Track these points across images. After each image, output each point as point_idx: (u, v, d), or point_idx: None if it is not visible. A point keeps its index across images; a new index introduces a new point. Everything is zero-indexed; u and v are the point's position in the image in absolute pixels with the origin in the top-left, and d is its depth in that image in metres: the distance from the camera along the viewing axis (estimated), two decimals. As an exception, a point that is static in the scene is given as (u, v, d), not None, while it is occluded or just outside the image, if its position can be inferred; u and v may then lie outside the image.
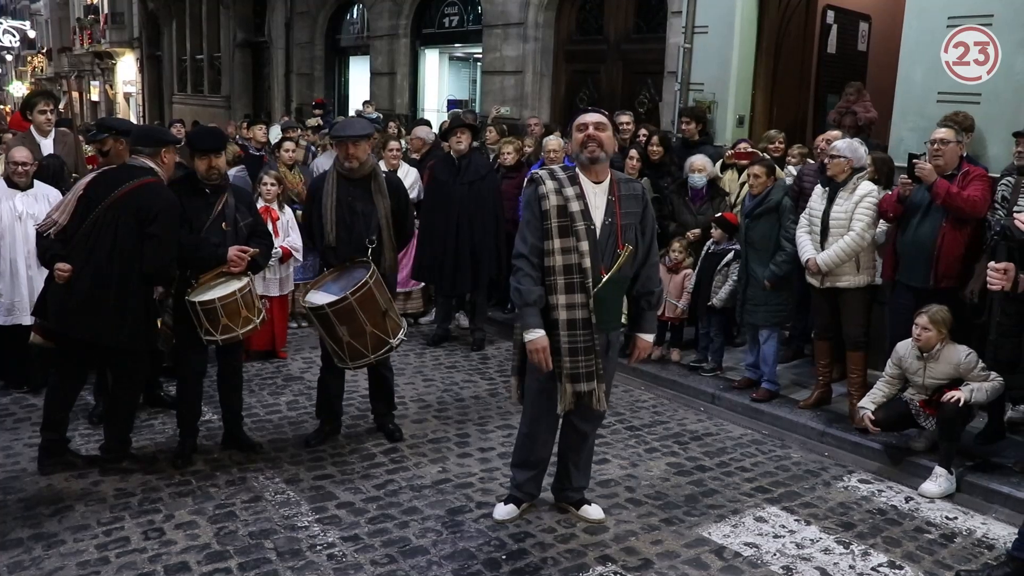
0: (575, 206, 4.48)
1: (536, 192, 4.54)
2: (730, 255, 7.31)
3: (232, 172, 8.49)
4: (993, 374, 5.59)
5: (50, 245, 5.14)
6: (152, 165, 5.21)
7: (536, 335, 4.49)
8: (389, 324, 5.45)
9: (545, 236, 4.49)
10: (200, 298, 5.23)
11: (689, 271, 7.63)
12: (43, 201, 6.37)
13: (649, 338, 4.87)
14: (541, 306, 4.52)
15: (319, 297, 5.46)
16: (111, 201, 5.04)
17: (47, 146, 7.28)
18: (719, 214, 7.51)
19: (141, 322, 5.18)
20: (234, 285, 5.30)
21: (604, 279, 4.50)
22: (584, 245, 4.45)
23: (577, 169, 4.61)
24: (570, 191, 4.51)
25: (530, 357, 4.55)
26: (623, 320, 5.01)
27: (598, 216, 4.53)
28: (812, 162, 7.81)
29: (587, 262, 4.45)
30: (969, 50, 7.15)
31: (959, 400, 5.50)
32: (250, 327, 5.37)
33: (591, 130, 4.50)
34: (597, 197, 4.56)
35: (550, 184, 4.53)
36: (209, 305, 5.20)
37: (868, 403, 6.05)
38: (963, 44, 7.18)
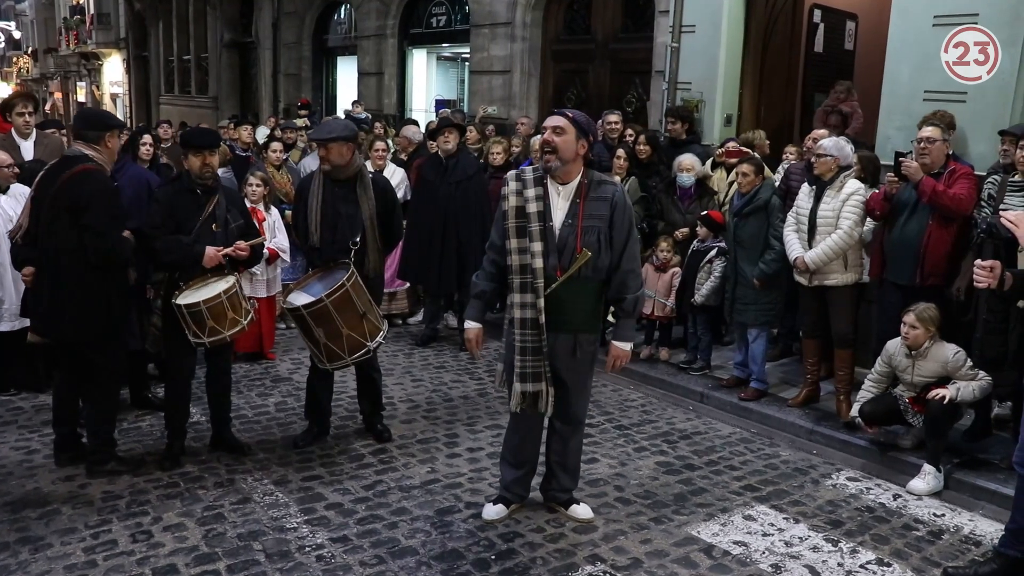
0: (533, 207, 4.50)
1: (501, 192, 4.62)
2: (712, 252, 7.33)
3: (219, 173, 8.46)
4: (981, 373, 5.60)
5: (19, 250, 5.27)
6: (88, 151, 5.10)
7: (470, 326, 4.87)
8: (367, 327, 5.43)
9: (505, 236, 4.55)
10: (185, 300, 5.21)
11: (677, 270, 7.65)
12: (22, 201, 6.34)
13: (624, 346, 4.77)
14: (486, 299, 4.86)
15: (300, 298, 5.46)
16: (51, 197, 5.03)
17: (27, 148, 7.23)
18: (704, 212, 7.52)
19: (103, 316, 5.14)
20: (220, 287, 5.29)
21: (558, 280, 4.49)
22: (536, 246, 4.47)
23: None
24: (531, 192, 4.53)
25: (468, 348, 4.98)
26: (609, 320, 5.02)
27: (558, 217, 4.53)
28: (800, 160, 7.82)
29: (538, 263, 4.46)
30: (969, 50, 7.16)
31: (945, 398, 5.51)
32: (237, 329, 5.35)
33: (547, 134, 4.50)
34: (561, 198, 4.56)
35: (513, 185, 4.58)
36: (194, 308, 5.19)
37: (857, 405, 6.09)
38: (963, 44, 7.19)
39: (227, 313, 5.27)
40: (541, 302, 4.48)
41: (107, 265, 5.08)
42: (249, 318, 5.44)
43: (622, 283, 4.66)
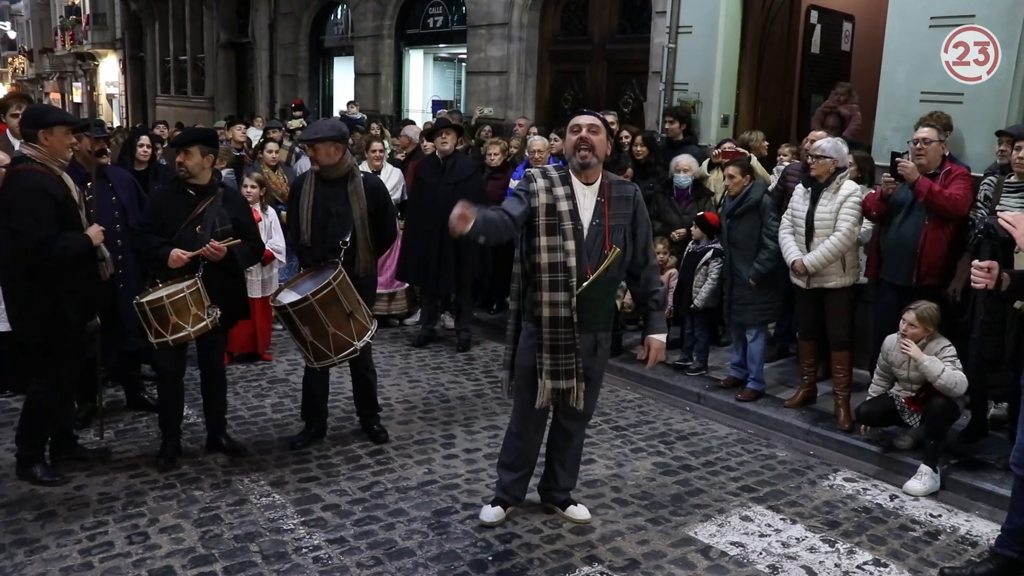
0: (564, 206, 4.49)
1: (528, 187, 4.55)
2: (708, 254, 7.33)
3: (223, 173, 8.48)
4: (960, 373, 5.60)
5: None
6: (27, 151, 5.03)
7: (465, 207, 4.12)
8: (354, 326, 5.43)
9: (532, 233, 4.52)
10: (137, 300, 5.24)
11: (674, 271, 7.65)
12: None
13: (661, 338, 4.82)
14: (486, 214, 4.28)
15: (288, 296, 5.47)
16: None
17: None
18: (700, 213, 7.53)
19: (48, 317, 5.03)
20: (170, 290, 5.25)
21: (589, 279, 4.50)
22: (570, 244, 4.46)
23: (569, 169, 4.63)
24: (560, 190, 4.52)
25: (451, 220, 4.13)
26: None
27: (586, 217, 4.55)
28: (797, 161, 7.81)
29: (572, 261, 4.46)
30: (969, 50, 7.16)
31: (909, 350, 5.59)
32: (181, 334, 5.24)
33: (584, 132, 4.51)
34: (586, 198, 4.57)
35: (541, 182, 4.55)
36: (140, 308, 5.20)
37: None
38: (963, 44, 7.19)
39: (170, 318, 5.21)
40: (575, 301, 4.48)
41: (38, 265, 4.93)
42: (200, 325, 5.29)
43: (649, 279, 4.77)
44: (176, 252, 5.28)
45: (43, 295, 5.00)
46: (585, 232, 4.53)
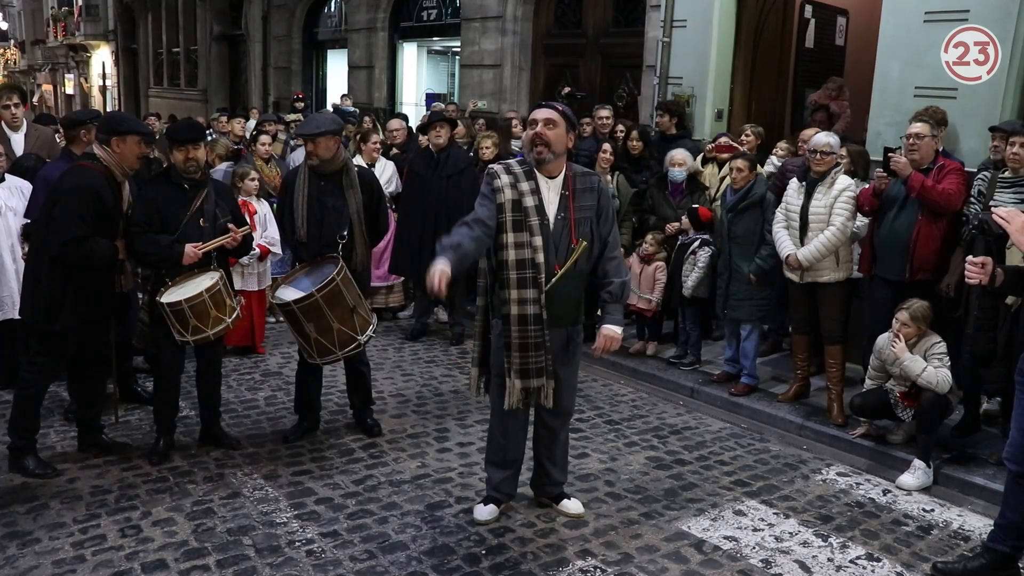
0: (530, 201, 4.46)
1: (491, 186, 4.50)
2: (696, 243, 7.32)
3: (223, 167, 8.44)
4: (945, 371, 5.61)
5: None
6: (98, 152, 5.16)
7: (440, 265, 4.17)
8: (357, 321, 5.42)
9: (498, 230, 4.47)
10: (168, 299, 5.19)
11: (661, 264, 7.63)
12: (18, 194, 6.29)
13: (616, 330, 4.72)
14: (461, 253, 4.29)
15: (289, 293, 5.44)
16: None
17: (18, 141, 7.16)
18: (693, 206, 7.51)
19: (42, 300, 5.09)
20: (203, 284, 5.24)
21: (558, 274, 4.48)
22: (537, 240, 4.43)
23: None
24: (525, 186, 4.48)
25: (428, 281, 4.18)
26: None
27: (551, 211, 4.52)
28: (797, 156, 7.78)
29: (540, 257, 4.43)
30: (969, 50, 7.16)
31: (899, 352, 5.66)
32: (221, 327, 5.30)
33: (539, 128, 4.46)
34: (551, 192, 4.54)
35: (506, 178, 4.50)
36: (176, 307, 5.15)
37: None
38: (963, 44, 7.18)
39: (210, 312, 5.23)
40: (544, 297, 4.45)
41: (61, 257, 5.02)
42: (235, 316, 5.38)
43: (607, 270, 4.70)
44: (190, 249, 5.27)
45: (57, 286, 5.09)
46: (551, 226, 4.50)
